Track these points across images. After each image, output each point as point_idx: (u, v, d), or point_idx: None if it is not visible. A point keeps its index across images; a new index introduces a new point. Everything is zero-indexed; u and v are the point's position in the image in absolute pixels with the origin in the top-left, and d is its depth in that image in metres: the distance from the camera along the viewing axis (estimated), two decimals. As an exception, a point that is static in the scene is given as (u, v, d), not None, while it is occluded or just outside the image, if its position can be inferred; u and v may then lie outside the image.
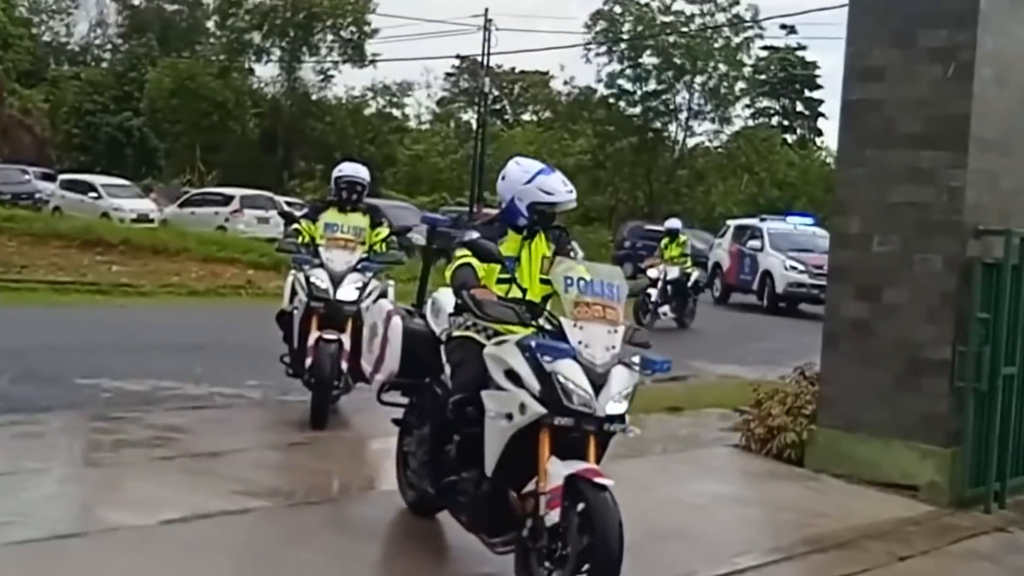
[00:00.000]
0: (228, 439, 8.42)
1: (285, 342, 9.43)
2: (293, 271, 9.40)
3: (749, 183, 51.39)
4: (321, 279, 8.99)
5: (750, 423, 9.47)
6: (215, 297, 19.74)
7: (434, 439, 6.15)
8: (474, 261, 5.78)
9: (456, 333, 6.08)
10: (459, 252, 5.81)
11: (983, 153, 8.46)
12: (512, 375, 5.37)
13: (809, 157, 56.28)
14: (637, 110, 51.73)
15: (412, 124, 62.93)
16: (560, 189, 5.97)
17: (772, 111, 60.98)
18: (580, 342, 5.28)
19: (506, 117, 64.10)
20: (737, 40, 50.61)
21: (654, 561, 6.22)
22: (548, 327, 5.49)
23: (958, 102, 8.37)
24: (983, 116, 8.43)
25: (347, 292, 9.01)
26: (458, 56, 59.86)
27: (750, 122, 56.57)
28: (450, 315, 6.21)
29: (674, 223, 21.66)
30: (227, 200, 34.99)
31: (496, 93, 55.96)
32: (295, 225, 9.55)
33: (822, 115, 61.55)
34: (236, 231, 31.33)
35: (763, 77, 56.87)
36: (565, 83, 57.66)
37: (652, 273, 20.15)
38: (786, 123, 61.53)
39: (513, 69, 62.95)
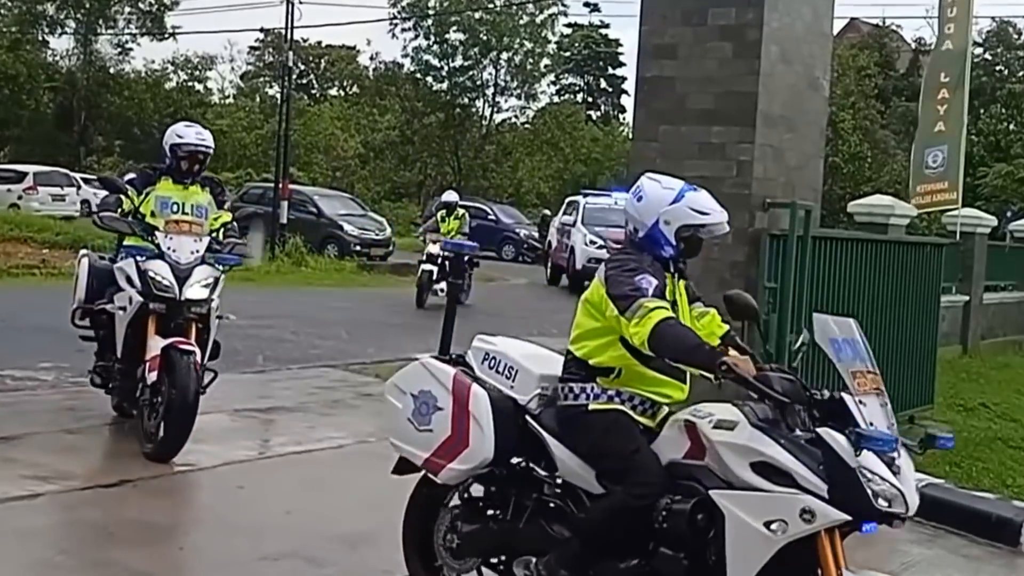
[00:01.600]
0: (18, 423, 8.14)
1: (99, 351, 8.08)
2: (121, 259, 7.79)
3: (555, 158, 52.07)
4: (163, 273, 7.44)
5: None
6: (8, 278, 18.98)
7: (588, 554, 4.71)
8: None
9: (596, 406, 4.72)
10: (651, 303, 4.46)
11: (770, 129, 8.78)
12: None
13: (612, 133, 57.38)
14: (444, 86, 51.75)
15: (215, 99, 61.51)
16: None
17: (577, 88, 61.97)
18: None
19: (313, 92, 63.20)
20: (541, 17, 51.12)
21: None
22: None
23: (746, 79, 8.66)
24: (769, 93, 8.75)
25: (196, 290, 7.52)
26: (262, 29, 58.68)
27: (555, 98, 57.43)
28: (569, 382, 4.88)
29: (451, 196, 20.75)
30: (20, 177, 33.89)
31: (302, 67, 55.16)
32: (118, 195, 7.81)
33: (625, 92, 62.91)
34: (30, 209, 30.22)
35: (567, 54, 57.74)
36: (372, 58, 57.55)
37: (432, 249, 19.15)
38: (590, 99, 62.63)
39: (319, 43, 62.13)
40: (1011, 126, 43.68)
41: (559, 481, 4.87)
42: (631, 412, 4.71)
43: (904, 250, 10.97)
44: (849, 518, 4.13)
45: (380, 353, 13.08)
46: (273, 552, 5.96)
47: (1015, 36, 50.00)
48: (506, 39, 50.02)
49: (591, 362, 4.74)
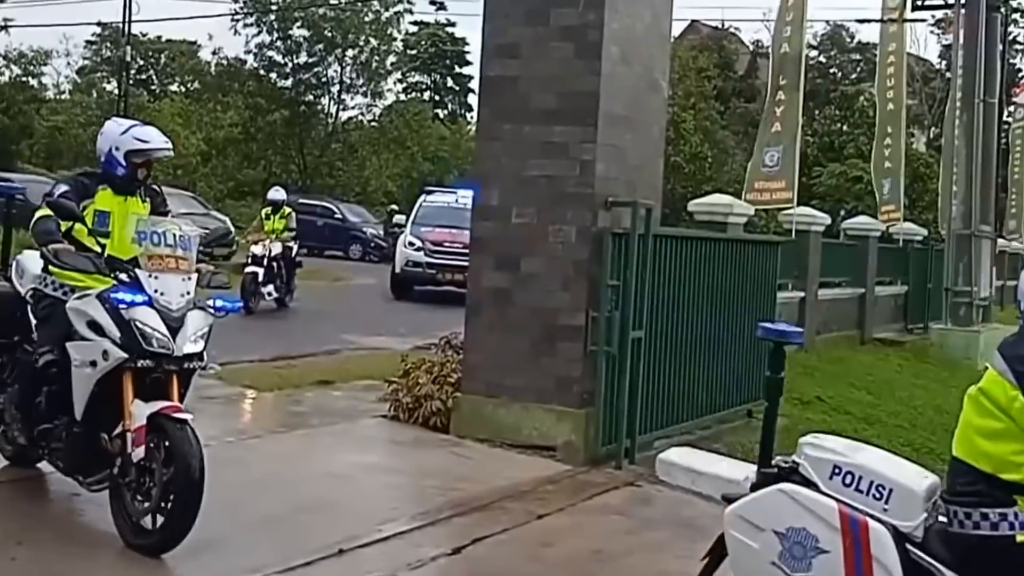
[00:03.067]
0: None
1: (42, 416, 6.32)
2: (69, 296, 6.18)
3: (402, 157, 51.87)
4: (154, 324, 5.88)
5: (398, 393, 9.59)
6: None
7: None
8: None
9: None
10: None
11: (611, 128, 8.89)
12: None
13: (460, 131, 57.40)
14: (288, 83, 51.01)
15: (51, 94, 59.46)
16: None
17: (424, 86, 61.73)
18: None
19: (153, 88, 61.59)
20: (387, 15, 50.81)
21: (299, 533, 6.22)
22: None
23: (587, 79, 8.76)
24: (610, 92, 8.86)
25: (193, 344, 6.04)
26: (99, 23, 56.99)
27: (402, 96, 57.10)
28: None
29: (277, 194, 19.42)
30: None
31: (140, 62, 53.77)
32: (44, 212, 6.18)
33: (472, 90, 62.86)
34: None
35: (414, 52, 57.47)
36: (214, 53, 56.16)
37: (256, 250, 18.03)
38: (437, 98, 62.46)
39: (159, 38, 60.55)
40: (844, 127, 45.20)
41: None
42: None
43: (742, 248, 11.25)
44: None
45: (222, 356, 12.79)
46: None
47: (848, 39, 51.78)
48: (351, 36, 49.56)
49: (1004, 477, 3.82)
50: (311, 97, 52.03)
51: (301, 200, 35.96)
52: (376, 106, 53.94)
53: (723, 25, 54.42)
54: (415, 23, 56.59)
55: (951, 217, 21.02)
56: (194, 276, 6.15)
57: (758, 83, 50.82)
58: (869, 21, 51.26)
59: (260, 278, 17.83)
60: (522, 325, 8.91)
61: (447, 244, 21.83)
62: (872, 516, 4.02)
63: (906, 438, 12.20)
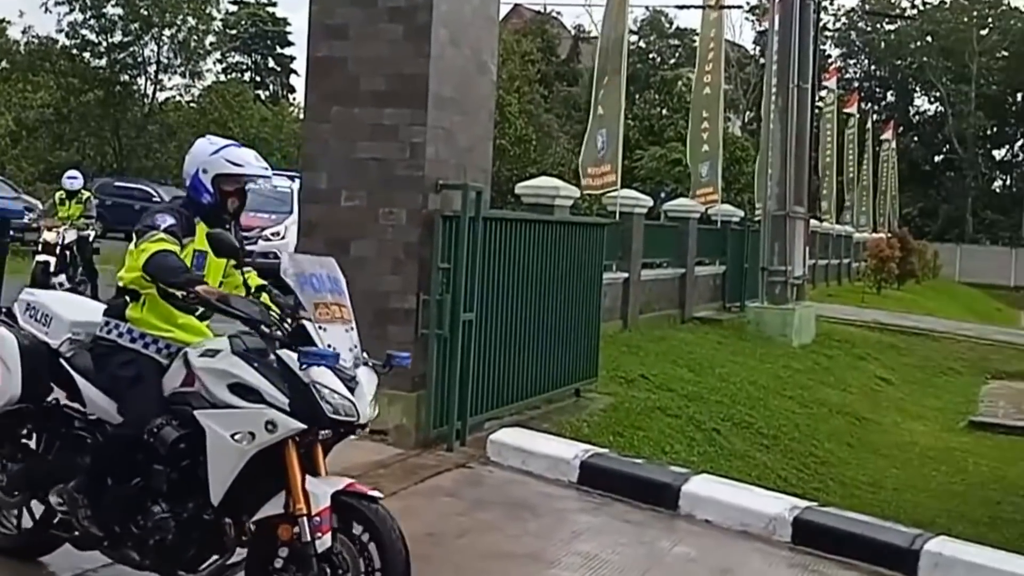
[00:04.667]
0: None
1: (132, 502, 5.15)
2: (202, 355, 5.07)
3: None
4: (337, 387, 4.86)
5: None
6: None
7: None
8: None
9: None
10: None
11: (440, 111, 8.89)
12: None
13: (282, 113, 56.57)
14: (103, 62, 49.37)
15: None
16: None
17: (244, 66, 60.69)
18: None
19: (-44, 66, 58.94)
20: (206, -7, 49.66)
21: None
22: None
23: (416, 61, 8.73)
24: (440, 75, 8.86)
25: (372, 408, 5.04)
26: None
27: (222, 77, 55.92)
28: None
29: (73, 180, 17.55)
30: None
31: (-58, 39, 51.33)
32: (161, 245, 5.05)
33: (294, 71, 62.15)
34: None
35: (234, 32, 56.37)
36: (24, 32, 53.94)
37: (48, 237, 16.53)
38: (258, 79, 61.46)
39: (-37, 14, 57.92)
40: (664, 111, 46.20)
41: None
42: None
43: (570, 230, 11.39)
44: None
45: None
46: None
47: (667, 25, 52.89)
48: (168, 15, 48.26)
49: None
50: (127, 77, 50.45)
51: (117, 183, 34.95)
52: (195, 87, 52.65)
53: (545, 9, 55.02)
54: (235, 2, 55.61)
55: (767, 199, 21.70)
56: (355, 326, 5.10)
57: (579, 67, 51.58)
58: (688, 7, 52.47)
59: (52, 267, 16.44)
60: (353, 309, 8.83)
61: (256, 230, 21.13)
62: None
63: (726, 413, 12.60)
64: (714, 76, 24.02)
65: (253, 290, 5.36)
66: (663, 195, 31.50)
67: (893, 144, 55.92)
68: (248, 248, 6.31)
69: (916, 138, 76.73)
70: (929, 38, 74.56)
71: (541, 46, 49.25)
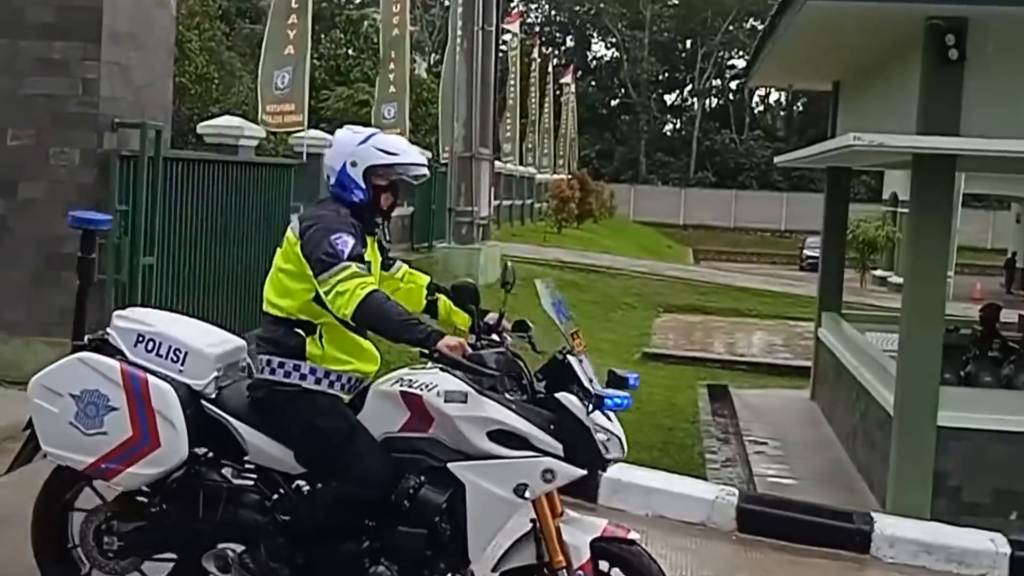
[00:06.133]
0: None
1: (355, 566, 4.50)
2: (450, 401, 4.36)
3: None
4: (610, 424, 4.44)
5: None
6: None
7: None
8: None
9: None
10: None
11: (115, 45, 8.50)
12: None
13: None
14: None
15: None
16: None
17: None
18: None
19: None
20: None
21: None
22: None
23: (88, -7, 8.31)
24: (115, 8, 8.47)
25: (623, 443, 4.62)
26: None
27: None
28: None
29: None
30: None
31: None
32: (366, 280, 4.36)
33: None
34: None
35: None
36: None
37: None
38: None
39: None
40: (350, 51, 45.82)
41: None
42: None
43: (256, 171, 11.17)
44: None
45: None
46: None
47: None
48: None
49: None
50: None
51: None
52: None
53: (226, -58, 53.15)
54: None
55: (453, 141, 21.97)
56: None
57: (263, 4, 50.35)
58: (372, -54, 52.08)
59: None
60: (21, 255, 8.40)
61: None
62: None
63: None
64: (401, 17, 23.97)
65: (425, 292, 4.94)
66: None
67: (573, 88, 57.67)
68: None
69: (594, 83, 79.63)
70: (606, -15, 77.25)
71: (222, -20, 47.70)
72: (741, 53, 72.54)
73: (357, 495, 4.35)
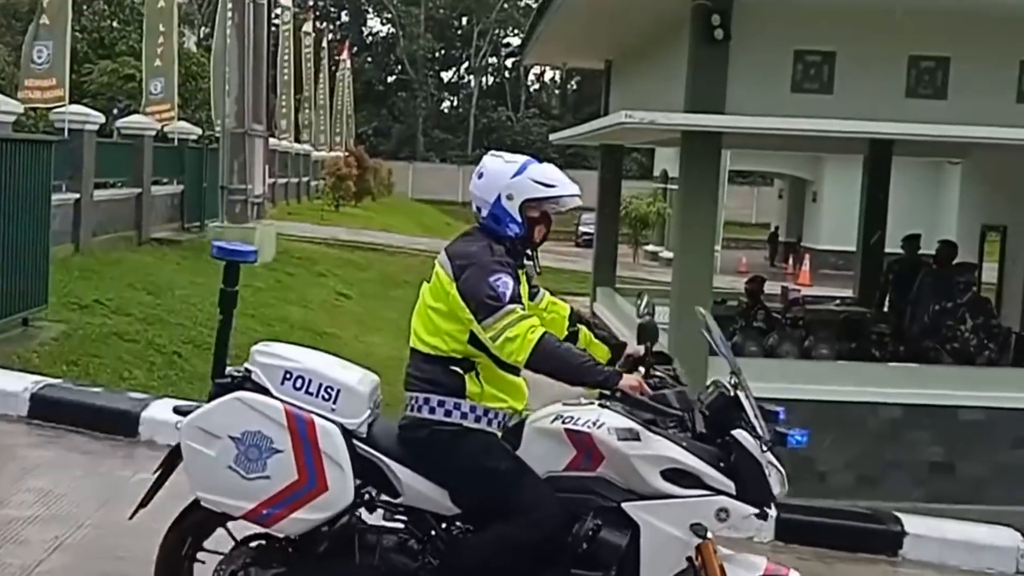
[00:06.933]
0: None
1: None
2: (623, 438, 4.32)
3: None
4: (776, 462, 4.47)
5: None
6: None
7: None
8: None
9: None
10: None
11: None
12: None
13: None
14: None
15: None
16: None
17: None
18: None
19: None
20: None
21: None
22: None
23: None
24: None
25: None
26: None
27: None
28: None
29: None
30: None
31: None
32: (533, 324, 4.32)
33: None
34: None
35: None
36: None
37: None
38: None
39: None
40: (115, 23, 44.12)
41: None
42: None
43: (12, 148, 10.58)
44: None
45: None
46: None
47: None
48: None
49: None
50: None
51: None
52: None
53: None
54: None
55: (224, 116, 21.43)
56: None
57: (20, -28, 47.94)
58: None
59: None
60: None
61: None
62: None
63: (188, 335, 12.38)
64: (168, -12, 23.21)
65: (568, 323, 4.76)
66: (116, 112, 30.17)
67: (348, 64, 57.11)
68: None
69: (370, 59, 79.10)
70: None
71: (-26, -54, 45.15)
72: (516, 31, 73.38)
73: (526, 537, 4.22)
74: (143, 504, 4.54)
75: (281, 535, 4.37)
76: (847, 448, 10.92)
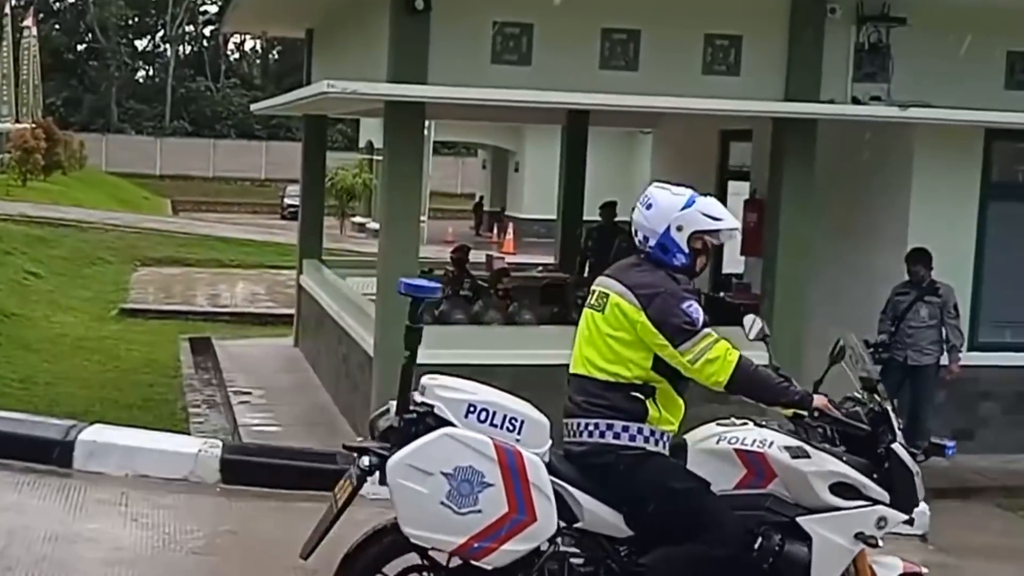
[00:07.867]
0: None
1: None
2: (797, 457, 4.73)
3: None
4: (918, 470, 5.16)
5: None
6: None
7: None
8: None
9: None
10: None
11: None
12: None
13: None
14: None
15: None
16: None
17: None
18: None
19: None
20: None
21: None
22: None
23: None
24: None
25: None
26: None
27: None
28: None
29: None
30: None
31: None
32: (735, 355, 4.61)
33: None
34: None
35: None
36: None
37: None
38: None
39: None
40: None
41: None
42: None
43: None
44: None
45: None
46: None
47: None
48: None
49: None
50: None
51: None
52: None
53: None
54: None
55: None
56: None
57: None
58: None
59: None
60: None
61: None
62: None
63: None
64: None
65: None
66: None
67: (34, 31, 54.03)
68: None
69: (58, 26, 75.13)
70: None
71: None
72: (214, -1, 71.30)
73: (713, 554, 4.45)
74: (318, 542, 4.49)
75: (489, 567, 4.44)
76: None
